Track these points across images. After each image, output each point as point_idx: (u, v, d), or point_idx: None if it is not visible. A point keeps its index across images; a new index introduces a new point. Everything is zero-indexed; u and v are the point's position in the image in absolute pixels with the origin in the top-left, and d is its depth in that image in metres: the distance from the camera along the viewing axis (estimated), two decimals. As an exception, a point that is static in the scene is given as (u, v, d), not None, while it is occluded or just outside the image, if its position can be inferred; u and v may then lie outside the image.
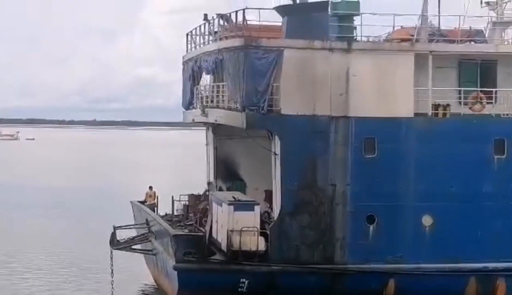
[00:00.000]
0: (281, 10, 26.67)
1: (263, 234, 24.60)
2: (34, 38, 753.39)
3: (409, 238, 25.57)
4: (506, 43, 28.62)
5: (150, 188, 32.43)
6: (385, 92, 25.72)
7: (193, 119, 31.30)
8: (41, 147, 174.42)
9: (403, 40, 27.06)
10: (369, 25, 26.93)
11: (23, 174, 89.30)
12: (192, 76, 30.91)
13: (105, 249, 29.26)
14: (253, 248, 24.22)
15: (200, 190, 31.17)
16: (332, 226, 25.34)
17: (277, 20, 27.05)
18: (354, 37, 26.99)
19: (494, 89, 26.69)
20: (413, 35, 26.87)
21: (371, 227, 25.42)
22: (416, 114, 25.91)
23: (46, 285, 30.82)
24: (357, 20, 27.04)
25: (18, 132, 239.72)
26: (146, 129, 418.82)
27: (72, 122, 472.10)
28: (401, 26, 27.53)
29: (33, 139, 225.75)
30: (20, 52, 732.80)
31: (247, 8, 26.35)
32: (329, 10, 26.80)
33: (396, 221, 25.48)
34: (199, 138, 38.76)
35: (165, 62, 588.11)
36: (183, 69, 32.44)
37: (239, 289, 24.49)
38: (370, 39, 27.59)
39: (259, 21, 27.05)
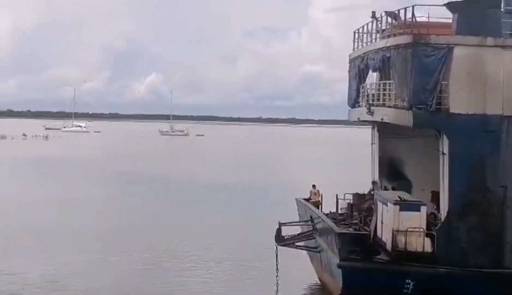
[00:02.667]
0: (452, 6, 25.89)
1: (429, 235, 24.03)
2: (203, 37, 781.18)
3: None
4: None
5: (314, 186, 32.56)
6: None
7: (358, 118, 31.05)
8: (210, 143, 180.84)
9: None
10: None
11: (193, 169, 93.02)
12: (358, 74, 30.72)
13: (270, 245, 29.69)
14: (419, 249, 23.75)
15: (364, 188, 30.96)
16: (502, 229, 24.31)
17: (447, 16, 26.36)
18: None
19: None
20: None
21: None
22: None
23: (214, 277, 31.78)
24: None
25: (188, 128, 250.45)
26: (310, 126, 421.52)
27: (239, 119, 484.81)
28: None
29: (203, 135, 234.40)
30: (190, 50, 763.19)
31: (416, 5, 25.85)
32: (502, 6, 25.76)
33: None
34: (363, 136, 38.42)
35: (331, 59, 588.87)
36: (350, 67, 32.26)
37: (404, 290, 24.02)
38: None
39: (428, 18, 26.53)
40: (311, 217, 29.69)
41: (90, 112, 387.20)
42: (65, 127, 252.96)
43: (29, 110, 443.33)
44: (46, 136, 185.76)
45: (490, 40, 24.71)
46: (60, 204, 53.87)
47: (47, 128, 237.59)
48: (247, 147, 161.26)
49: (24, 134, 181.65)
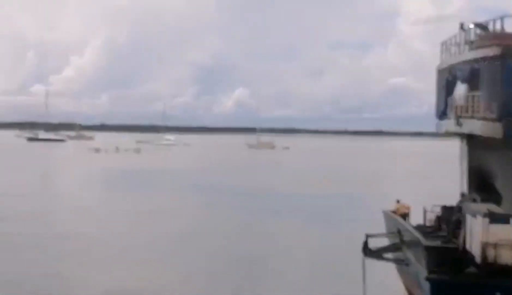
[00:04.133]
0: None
1: (520, 249, 23.37)
2: (291, 51, 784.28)
3: None
4: None
5: (398, 201, 32.21)
6: None
7: (446, 130, 30.62)
8: (297, 155, 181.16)
9: None
10: None
11: (277, 181, 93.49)
12: (446, 86, 30.27)
13: (357, 257, 29.62)
14: (509, 262, 23.13)
15: (451, 201, 30.44)
16: None
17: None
18: None
19: None
20: None
21: None
22: None
23: (300, 288, 31.95)
24: None
25: (274, 141, 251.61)
26: (397, 139, 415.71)
27: (325, 132, 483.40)
28: None
29: (289, 148, 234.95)
30: (277, 64, 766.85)
31: (505, 16, 25.39)
32: None
33: None
34: (451, 148, 37.81)
35: (418, 71, 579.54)
36: (437, 78, 31.87)
37: (494, 305, 23.50)
38: None
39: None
40: (398, 229, 29.39)
41: (179, 126, 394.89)
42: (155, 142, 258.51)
43: (121, 124, 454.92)
44: (138, 149, 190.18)
45: None
46: (150, 214, 55.27)
47: (138, 142, 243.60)
48: (333, 159, 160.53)
49: (117, 148, 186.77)
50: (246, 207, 61.83)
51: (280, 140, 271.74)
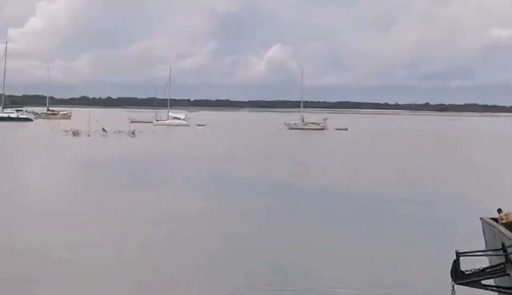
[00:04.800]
0: None
1: None
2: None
3: None
4: None
5: (499, 210, 31.61)
6: None
7: None
8: (356, 140, 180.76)
9: None
10: None
11: (331, 175, 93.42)
12: None
13: (444, 282, 29.14)
14: None
15: None
16: None
17: None
18: None
19: None
20: None
21: None
22: None
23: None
24: None
25: (326, 119, 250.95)
26: (501, 115, 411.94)
27: (397, 107, 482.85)
28: None
29: (346, 129, 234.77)
30: (327, 11, 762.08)
31: None
32: None
33: None
34: None
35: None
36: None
37: None
38: None
39: None
40: (503, 245, 28.97)
41: (191, 99, 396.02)
42: (157, 120, 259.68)
43: (109, 97, 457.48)
44: (133, 132, 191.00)
45: None
46: (151, 223, 55.57)
47: (133, 121, 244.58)
48: (409, 146, 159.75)
49: (103, 130, 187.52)
50: (294, 210, 62.03)
51: (333, 118, 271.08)
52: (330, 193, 75.45)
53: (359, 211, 62.87)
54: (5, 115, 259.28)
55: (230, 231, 52.89)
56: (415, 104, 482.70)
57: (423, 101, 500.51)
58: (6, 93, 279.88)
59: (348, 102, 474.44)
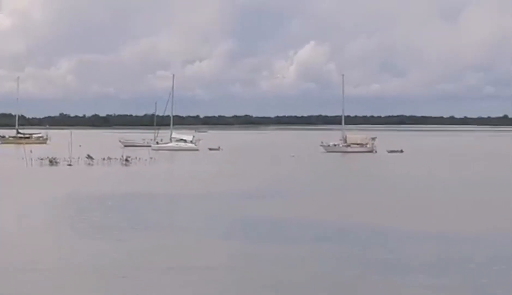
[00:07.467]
0: None
1: None
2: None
3: None
4: None
5: None
6: None
7: None
8: (413, 164, 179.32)
9: None
10: None
11: (387, 212, 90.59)
12: None
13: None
14: None
15: None
16: None
17: None
18: None
19: None
20: None
21: None
22: None
23: None
24: None
25: (374, 138, 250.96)
26: None
27: (466, 121, 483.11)
28: None
29: (401, 151, 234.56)
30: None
31: None
32: None
33: None
34: None
35: None
36: None
37: None
38: None
39: None
40: None
41: (200, 116, 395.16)
42: (157, 143, 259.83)
43: (95, 115, 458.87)
44: (126, 160, 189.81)
45: None
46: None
47: (126, 146, 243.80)
48: (494, 174, 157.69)
49: (89, 157, 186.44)
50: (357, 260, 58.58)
51: (384, 137, 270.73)
52: (403, 238, 72.56)
53: (439, 258, 59.81)
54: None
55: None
56: (490, 118, 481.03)
57: (500, 114, 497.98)
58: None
59: (402, 116, 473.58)
